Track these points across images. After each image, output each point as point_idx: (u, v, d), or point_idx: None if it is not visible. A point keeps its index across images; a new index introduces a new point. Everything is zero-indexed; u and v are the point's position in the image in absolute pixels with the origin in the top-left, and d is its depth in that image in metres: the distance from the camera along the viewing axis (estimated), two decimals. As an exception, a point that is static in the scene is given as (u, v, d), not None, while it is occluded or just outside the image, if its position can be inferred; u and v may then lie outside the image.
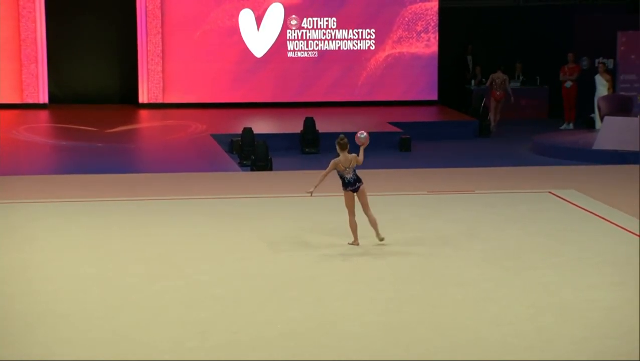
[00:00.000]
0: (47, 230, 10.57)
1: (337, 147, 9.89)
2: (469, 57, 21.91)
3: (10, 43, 19.28)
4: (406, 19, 21.00)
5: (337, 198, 12.37)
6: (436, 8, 21.11)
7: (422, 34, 21.08)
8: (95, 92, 20.54)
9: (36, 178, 13.92)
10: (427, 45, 21.09)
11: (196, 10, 20.15)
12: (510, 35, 22.04)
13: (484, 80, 21.49)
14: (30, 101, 19.40)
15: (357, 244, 9.84)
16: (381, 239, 9.84)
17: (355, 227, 9.87)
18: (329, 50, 20.81)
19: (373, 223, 9.82)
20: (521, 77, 21.62)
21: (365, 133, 9.99)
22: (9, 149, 16.05)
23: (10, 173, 14.27)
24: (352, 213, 9.83)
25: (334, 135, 17.45)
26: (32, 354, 7.01)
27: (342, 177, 9.82)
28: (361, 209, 9.79)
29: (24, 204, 11.94)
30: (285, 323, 7.66)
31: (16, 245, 9.95)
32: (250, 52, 20.47)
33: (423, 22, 21.06)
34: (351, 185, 9.78)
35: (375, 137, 17.92)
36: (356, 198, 9.84)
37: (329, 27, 20.77)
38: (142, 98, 20.13)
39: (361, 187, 9.79)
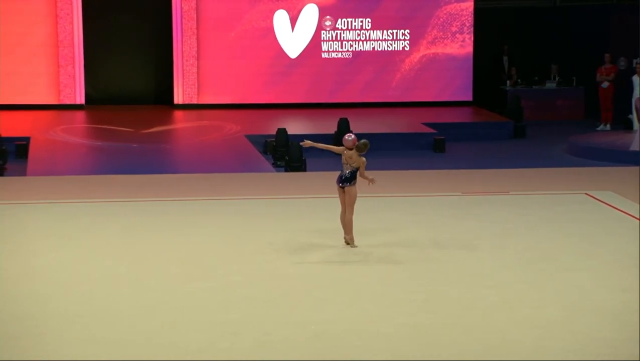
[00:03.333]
0: (82, 230, 10.66)
1: (357, 146, 9.84)
2: (505, 58, 21.77)
3: (48, 45, 19.48)
4: (441, 19, 20.91)
5: (375, 200, 12.37)
6: (471, 8, 21.00)
7: (457, 35, 20.99)
8: (131, 93, 20.68)
9: (72, 178, 14.05)
10: (462, 45, 21.00)
11: (231, 11, 20.22)
12: (546, 35, 21.86)
13: (519, 80, 21.34)
14: (67, 102, 19.58)
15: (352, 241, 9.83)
16: (347, 243, 9.80)
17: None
18: (363, 51, 20.78)
19: (345, 224, 9.76)
20: (557, 78, 21.45)
21: (352, 136, 9.91)
22: (46, 150, 16.21)
23: (47, 174, 14.42)
24: (343, 208, 9.84)
25: (368, 136, 17.57)
26: (66, 354, 7.07)
27: (341, 170, 9.87)
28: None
29: (60, 204, 12.05)
30: (318, 324, 7.66)
31: (51, 245, 10.04)
32: (284, 52, 20.50)
33: (458, 23, 20.96)
34: (341, 180, 9.80)
35: (409, 138, 18.05)
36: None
37: (364, 27, 20.74)
38: (177, 99, 20.24)
39: (348, 188, 9.74)
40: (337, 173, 14.90)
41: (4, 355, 7.04)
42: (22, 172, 14.60)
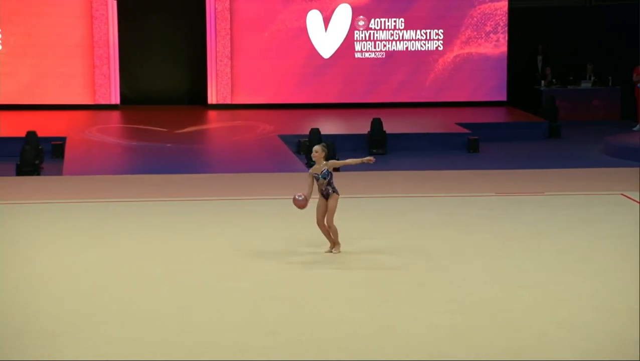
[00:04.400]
0: (117, 230, 10.73)
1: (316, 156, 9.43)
2: (539, 57, 21.63)
3: (84, 45, 19.65)
4: (475, 19, 20.82)
5: (407, 200, 12.35)
6: (506, 8, 20.89)
7: (491, 34, 20.88)
8: (165, 93, 20.80)
9: (107, 178, 14.16)
10: (496, 45, 20.89)
11: (264, 11, 20.27)
12: (581, 34, 21.68)
13: (554, 80, 21.19)
14: (102, 102, 19.73)
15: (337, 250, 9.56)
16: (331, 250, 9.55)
17: (334, 231, 9.52)
18: (396, 50, 20.74)
19: (334, 231, 9.50)
20: (593, 78, 21.27)
21: (301, 197, 9.41)
22: (81, 149, 16.35)
23: (82, 173, 14.54)
24: (325, 218, 9.52)
25: (402, 136, 17.67)
26: (102, 352, 7.12)
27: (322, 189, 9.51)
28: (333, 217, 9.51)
29: (95, 204, 12.14)
30: (351, 324, 7.65)
31: (87, 245, 10.12)
32: (317, 52, 20.52)
33: (492, 22, 20.85)
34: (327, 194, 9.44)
35: (442, 138, 18.00)
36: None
37: (397, 27, 20.70)
38: (211, 99, 20.32)
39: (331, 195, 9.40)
40: (370, 173, 14.94)
41: (41, 353, 7.11)
42: (58, 172, 14.74)
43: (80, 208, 11.81)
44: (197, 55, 20.40)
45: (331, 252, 9.58)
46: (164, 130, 18.13)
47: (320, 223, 9.50)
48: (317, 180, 9.42)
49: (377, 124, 17.30)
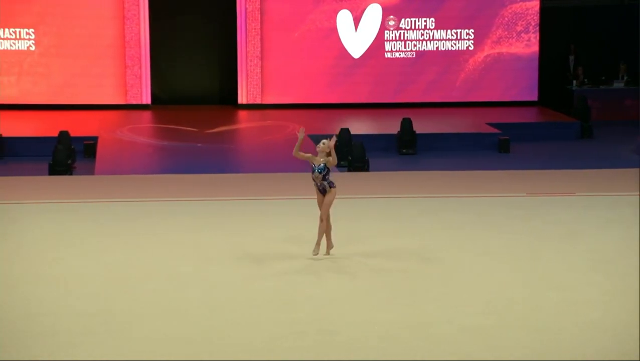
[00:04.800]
0: (148, 229, 10.79)
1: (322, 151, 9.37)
2: (571, 57, 21.47)
3: (115, 45, 19.77)
4: (506, 19, 20.71)
5: (438, 200, 12.31)
6: (537, 7, 20.75)
7: (523, 34, 20.76)
8: (196, 93, 20.87)
9: (138, 177, 14.24)
10: (528, 45, 20.76)
11: (295, 11, 20.28)
12: (613, 34, 21.49)
13: (585, 80, 21.02)
14: (134, 102, 19.84)
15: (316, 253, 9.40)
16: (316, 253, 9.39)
17: (326, 225, 9.38)
18: (427, 50, 20.67)
19: (327, 230, 9.41)
20: (625, 77, 21.07)
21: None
22: (113, 149, 16.45)
23: (114, 173, 14.63)
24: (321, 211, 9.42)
25: (432, 136, 17.59)
26: (133, 351, 7.16)
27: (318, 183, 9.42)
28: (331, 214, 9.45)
29: (127, 203, 12.21)
30: (381, 324, 7.64)
31: (118, 244, 10.19)
32: (347, 52, 20.50)
33: (523, 22, 20.73)
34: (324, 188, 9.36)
35: (473, 138, 17.91)
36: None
37: (427, 27, 20.64)
38: (241, 99, 20.37)
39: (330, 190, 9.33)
40: (400, 173, 14.92)
41: (72, 352, 7.17)
42: (90, 171, 14.84)
43: (112, 208, 11.89)
44: (227, 55, 20.46)
45: (316, 254, 9.37)
46: (195, 130, 18.20)
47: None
48: (313, 172, 9.36)
49: (407, 124, 17.26)
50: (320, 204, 9.43)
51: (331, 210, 9.49)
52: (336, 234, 10.45)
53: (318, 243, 9.44)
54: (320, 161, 9.34)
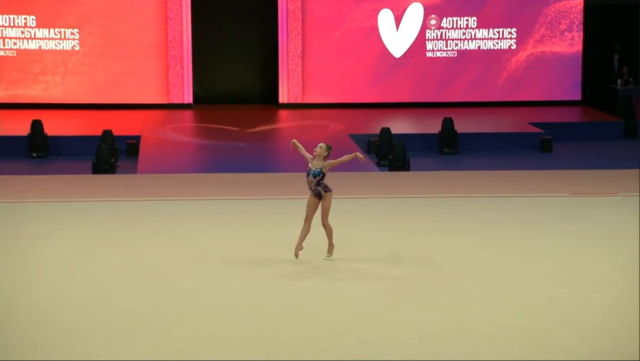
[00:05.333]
0: (189, 228, 10.84)
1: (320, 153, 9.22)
2: (616, 56, 21.21)
3: (158, 45, 19.92)
4: (549, 17, 20.53)
5: (480, 200, 12.24)
6: (581, 6, 20.54)
7: (566, 33, 20.56)
8: (237, 92, 20.95)
9: (180, 176, 14.33)
10: (571, 44, 20.56)
11: (336, 11, 20.28)
12: (659, 32, 21.20)
13: (630, 79, 20.75)
14: (176, 101, 19.98)
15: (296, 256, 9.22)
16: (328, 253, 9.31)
17: (329, 230, 9.22)
18: (468, 49, 20.56)
19: (328, 231, 9.27)
20: (670, 77, 20.79)
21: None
22: (155, 148, 16.56)
23: (156, 172, 14.75)
24: (321, 218, 9.27)
25: (473, 136, 17.48)
26: (176, 349, 7.21)
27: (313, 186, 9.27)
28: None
29: (169, 202, 12.30)
30: (423, 324, 7.61)
31: (160, 243, 10.24)
32: (388, 52, 20.45)
33: (567, 21, 20.53)
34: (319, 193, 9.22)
35: (515, 138, 17.77)
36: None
37: (469, 26, 20.52)
38: (282, 98, 20.42)
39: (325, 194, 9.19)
40: (441, 172, 14.84)
41: (118, 349, 7.23)
42: (133, 170, 14.96)
43: (154, 207, 11.97)
44: (268, 55, 20.51)
45: (297, 257, 9.22)
46: (236, 129, 18.28)
47: (308, 220, 9.23)
48: (307, 175, 9.18)
49: (448, 124, 17.18)
50: (310, 205, 9.21)
51: (332, 213, 9.33)
52: (379, 233, 10.44)
53: (299, 245, 9.21)
54: (316, 165, 9.17)
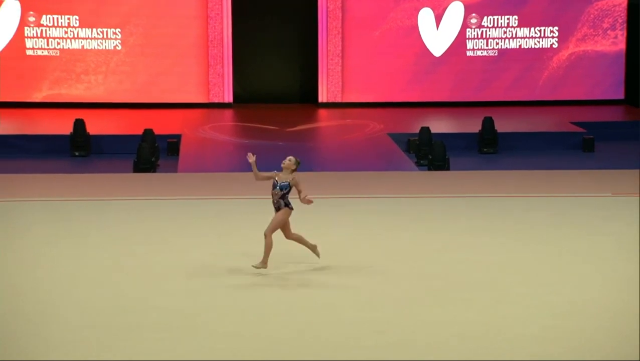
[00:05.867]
0: (230, 227, 10.91)
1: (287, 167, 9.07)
2: (660, 55, 20.94)
3: (199, 44, 20.06)
4: (592, 15, 20.32)
5: (521, 200, 12.16)
6: (625, 4, 20.31)
7: (609, 31, 20.34)
8: (277, 92, 21.02)
9: (220, 175, 14.42)
10: (614, 42, 20.34)
11: (376, 10, 20.27)
12: None
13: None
14: (216, 100, 20.10)
15: (264, 267, 8.95)
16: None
17: (268, 243, 8.94)
18: (509, 48, 20.43)
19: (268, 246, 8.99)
20: None
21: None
22: (196, 147, 16.68)
23: (196, 170, 14.85)
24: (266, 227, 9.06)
25: (514, 135, 17.37)
26: (216, 347, 7.25)
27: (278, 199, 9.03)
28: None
29: (209, 201, 12.38)
30: (461, 324, 7.60)
31: (201, 241, 10.30)
32: (428, 50, 20.40)
33: (610, 19, 20.32)
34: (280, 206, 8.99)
35: (556, 137, 17.63)
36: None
37: (510, 25, 20.39)
38: (322, 97, 20.45)
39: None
40: (481, 172, 14.76)
41: (158, 347, 7.29)
42: (173, 169, 15.07)
43: (195, 205, 12.05)
44: (308, 54, 20.55)
45: (257, 266, 8.90)
46: (276, 128, 18.34)
47: (288, 237, 9.10)
48: (274, 188, 8.98)
49: (488, 123, 17.09)
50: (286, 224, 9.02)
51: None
52: (417, 232, 10.41)
53: (264, 261, 8.95)
54: (283, 178, 9.01)
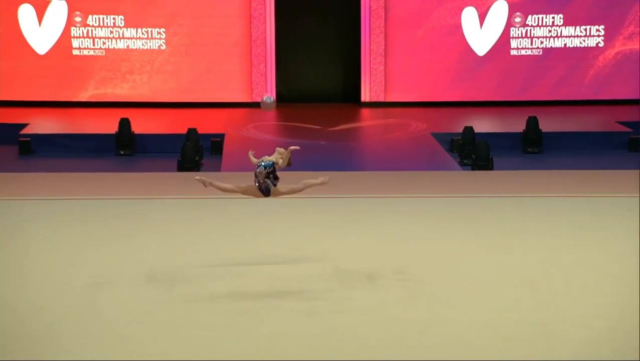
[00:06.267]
0: (273, 226, 10.94)
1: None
2: None
3: (242, 44, 20.18)
4: (639, 14, 20.07)
5: (566, 200, 12.06)
6: (674, 1, 20.06)
7: (656, 29, 20.09)
8: (319, 91, 21.07)
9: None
10: (662, 41, 20.09)
11: (419, 9, 20.23)
12: None
13: None
14: (259, 100, 20.08)
15: None
16: None
17: None
18: (554, 47, 20.27)
19: None
20: None
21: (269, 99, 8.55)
22: (239, 146, 16.76)
23: (240, 169, 14.92)
24: None
25: (558, 135, 17.24)
26: (259, 347, 7.31)
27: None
28: None
29: (252, 200, 12.41)
30: (506, 325, 7.57)
31: (244, 242, 10.34)
32: (472, 50, 20.31)
33: (657, 17, 20.07)
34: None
35: (602, 137, 17.46)
36: None
37: (555, 24, 20.23)
38: (364, 96, 20.46)
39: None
40: (524, 172, 14.68)
41: (201, 345, 7.35)
42: (217, 168, 15.19)
43: (238, 205, 12.10)
44: (351, 53, 20.58)
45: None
46: (318, 127, 18.41)
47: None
48: (258, 166, 8.46)
49: (532, 122, 16.99)
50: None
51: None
52: (461, 232, 10.37)
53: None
54: (272, 158, 8.46)
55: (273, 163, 8.54)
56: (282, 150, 8.69)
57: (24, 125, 17.46)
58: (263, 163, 8.55)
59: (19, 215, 11.49)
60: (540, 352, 7.02)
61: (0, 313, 8.00)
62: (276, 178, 8.54)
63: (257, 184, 8.56)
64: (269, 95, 8.11)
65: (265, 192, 8.50)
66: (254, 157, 8.77)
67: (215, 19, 19.97)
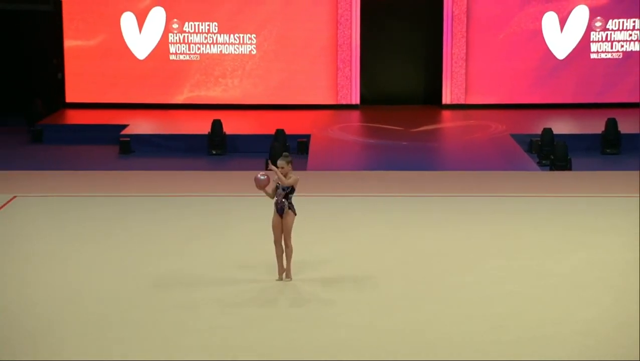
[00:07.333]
0: (354, 224, 11.17)
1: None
2: None
3: (329, 48, 20.61)
4: None
5: (626, 200, 12.08)
6: None
7: None
8: (402, 94, 21.32)
9: (347, 173, 14.80)
10: None
11: (501, 14, 20.38)
12: None
13: None
14: (344, 102, 20.62)
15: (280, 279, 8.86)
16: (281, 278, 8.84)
17: (290, 250, 8.82)
18: (634, 51, 20.25)
19: (288, 254, 8.86)
20: None
21: (264, 176, 8.75)
22: (324, 146, 17.12)
23: (325, 169, 15.38)
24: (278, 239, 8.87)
25: (637, 137, 17.18)
26: (339, 338, 7.61)
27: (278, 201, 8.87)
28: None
29: (336, 198, 12.75)
30: (581, 323, 7.71)
31: (326, 238, 10.61)
32: (552, 53, 20.43)
33: None
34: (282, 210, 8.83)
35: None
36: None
37: (635, 28, 20.23)
38: (445, 99, 20.68)
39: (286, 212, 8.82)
40: (603, 172, 14.63)
41: (290, 338, 7.72)
42: (303, 167, 15.46)
43: (322, 202, 12.36)
44: (433, 57, 20.81)
45: (281, 279, 8.88)
46: (400, 129, 18.63)
47: (277, 243, 8.87)
48: (277, 188, 8.80)
49: (611, 124, 17.05)
50: (276, 226, 8.82)
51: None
52: (539, 232, 10.45)
53: (280, 268, 8.90)
54: (286, 183, 8.76)
55: (292, 187, 8.85)
56: (281, 169, 8.82)
57: (124, 126, 18.27)
58: (281, 187, 8.80)
59: (118, 211, 11.76)
60: (618, 348, 7.14)
61: (96, 300, 8.53)
62: (291, 207, 8.85)
63: (275, 204, 8.90)
64: (263, 173, 8.71)
65: (280, 211, 8.83)
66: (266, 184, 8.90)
67: (304, 25, 20.46)
